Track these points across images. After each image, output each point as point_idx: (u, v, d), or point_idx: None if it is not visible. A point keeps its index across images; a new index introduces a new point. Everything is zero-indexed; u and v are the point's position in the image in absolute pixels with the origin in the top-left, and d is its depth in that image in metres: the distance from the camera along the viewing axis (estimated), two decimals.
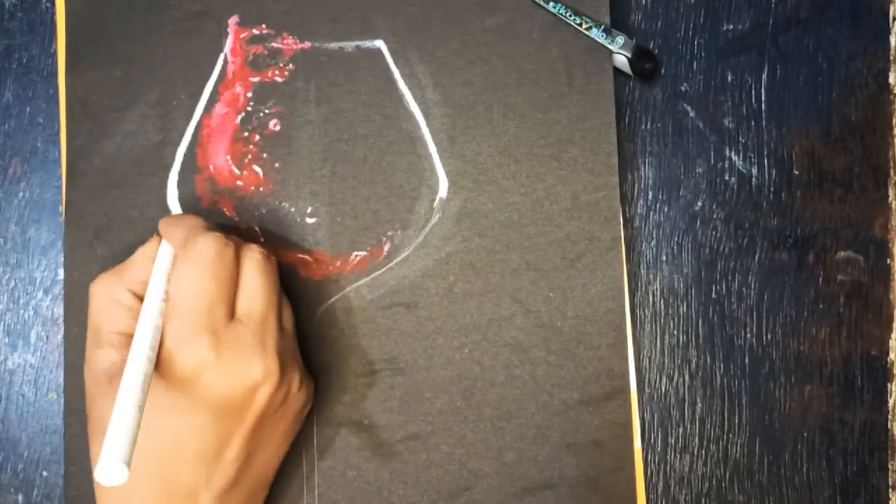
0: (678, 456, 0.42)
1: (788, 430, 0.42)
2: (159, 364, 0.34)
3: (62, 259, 0.42)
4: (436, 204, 0.42)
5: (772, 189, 0.43)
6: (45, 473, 0.43)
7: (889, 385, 0.43)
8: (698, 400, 0.43)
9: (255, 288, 0.36)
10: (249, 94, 0.42)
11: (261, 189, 0.42)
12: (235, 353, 0.34)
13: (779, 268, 0.43)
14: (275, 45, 0.43)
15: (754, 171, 0.44)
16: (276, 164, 0.42)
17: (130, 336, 0.35)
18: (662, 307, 0.43)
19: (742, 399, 0.43)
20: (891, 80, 0.44)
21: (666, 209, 0.44)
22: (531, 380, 0.41)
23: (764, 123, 0.44)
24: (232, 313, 0.35)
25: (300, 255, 0.42)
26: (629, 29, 0.44)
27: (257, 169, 0.42)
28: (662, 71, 0.44)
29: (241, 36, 0.43)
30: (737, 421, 0.43)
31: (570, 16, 0.42)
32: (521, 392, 0.41)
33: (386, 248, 0.42)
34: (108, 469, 0.29)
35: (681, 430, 0.43)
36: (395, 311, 0.42)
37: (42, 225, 0.44)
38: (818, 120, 0.44)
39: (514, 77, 0.42)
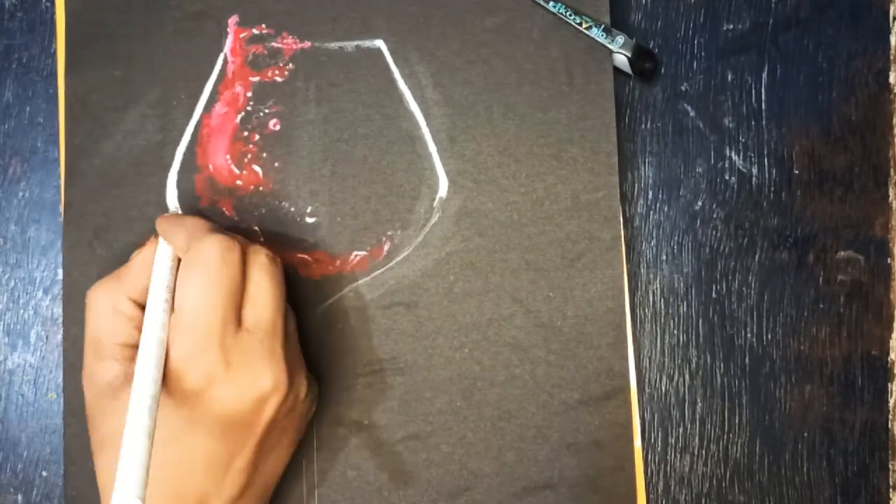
0: (678, 456, 0.42)
1: (789, 430, 0.42)
2: (167, 381, 0.33)
3: (62, 259, 0.42)
4: (436, 203, 0.42)
5: (772, 189, 0.43)
6: (44, 473, 0.42)
7: (889, 385, 0.43)
8: (698, 400, 0.43)
9: (263, 294, 0.35)
10: (249, 94, 0.42)
11: (260, 189, 0.42)
12: (245, 365, 0.34)
13: (779, 267, 0.43)
14: (275, 44, 0.43)
15: (754, 171, 0.44)
16: (276, 164, 0.42)
17: (132, 347, 0.35)
18: (662, 307, 0.43)
19: (742, 399, 0.43)
20: (891, 79, 0.44)
21: (666, 209, 0.44)
22: (531, 379, 0.41)
23: (764, 123, 0.44)
24: (239, 321, 0.34)
25: (300, 255, 0.42)
26: (629, 28, 0.44)
27: (257, 168, 0.42)
28: (662, 70, 0.44)
29: (241, 36, 0.43)
30: (737, 421, 0.42)
31: (570, 15, 0.42)
32: (521, 392, 0.41)
33: (386, 247, 0.42)
34: None
35: (681, 430, 0.43)
36: (395, 310, 0.42)
37: (42, 225, 0.44)
38: (818, 119, 0.44)
39: (514, 77, 0.42)
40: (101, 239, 0.42)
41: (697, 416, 0.43)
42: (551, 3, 0.42)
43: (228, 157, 0.42)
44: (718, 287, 0.43)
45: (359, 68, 0.43)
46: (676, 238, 0.43)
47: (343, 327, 0.42)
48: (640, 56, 0.42)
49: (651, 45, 0.44)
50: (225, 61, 0.43)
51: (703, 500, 0.42)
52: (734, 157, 0.44)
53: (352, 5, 0.43)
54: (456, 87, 0.42)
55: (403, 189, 0.42)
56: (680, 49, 0.44)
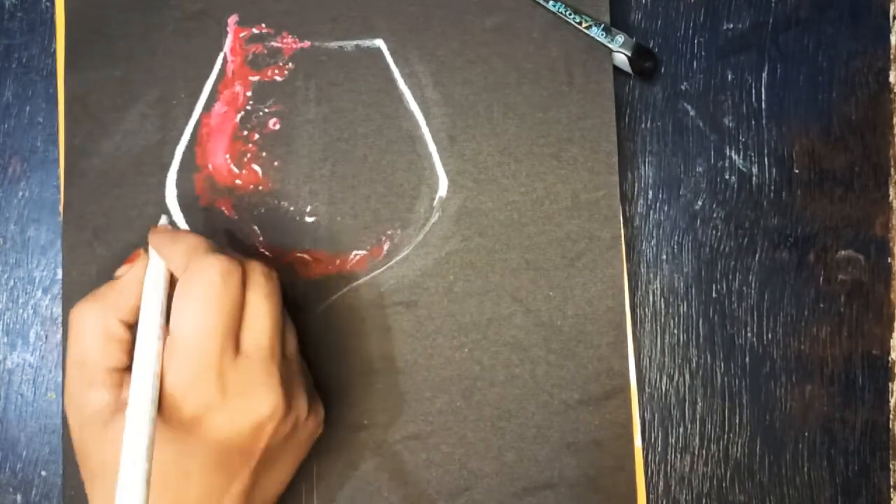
0: (678, 456, 0.42)
1: (789, 430, 0.42)
2: (162, 410, 0.32)
3: (61, 258, 0.42)
4: (435, 203, 0.42)
5: (772, 188, 0.43)
6: (43, 473, 0.42)
7: (890, 384, 0.43)
8: (699, 399, 0.43)
9: (261, 316, 0.34)
10: (249, 93, 0.42)
11: (260, 188, 0.42)
12: (242, 392, 0.33)
13: (779, 267, 0.43)
14: (274, 44, 0.43)
15: (755, 171, 0.43)
16: (276, 163, 0.42)
17: (121, 371, 0.34)
18: (663, 306, 0.43)
19: (743, 398, 0.42)
20: (891, 79, 0.44)
21: (666, 208, 0.43)
22: (531, 379, 0.41)
23: (764, 122, 0.44)
24: (237, 344, 0.33)
25: (299, 255, 0.42)
26: (629, 28, 0.44)
27: (256, 168, 0.42)
28: (662, 70, 0.44)
29: (241, 35, 0.43)
30: (737, 420, 0.42)
31: (570, 14, 0.42)
32: (521, 391, 0.41)
33: (385, 247, 0.42)
34: None
35: (681, 430, 0.42)
36: (395, 310, 0.42)
37: (41, 224, 0.44)
38: (818, 119, 0.44)
39: (513, 76, 0.42)
40: (101, 238, 0.42)
41: (698, 416, 0.43)
42: (551, 3, 0.42)
43: (228, 156, 0.42)
44: (718, 287, 0.43)
45: (359, 68, 0.43)
46: (676, 237, 0.43)
47: (343, 327, 0.41)
48: (640, 55, 0.42)
49: (651, 45, 0.44)
50: (224, 61, 0.43)
51: (704, 500, 0.42)
52: (734, 156, 0.44)
53: (352, 5, 0.43)
54: (456, 86, 0.42)
55: (403, 188, 0.42)
56: (680, 48, 0.44)
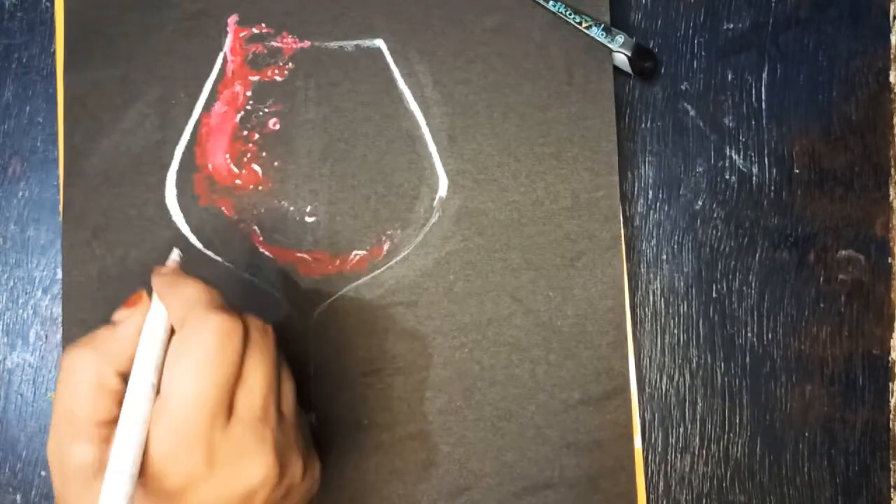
0: (679, 456, 0.42)
1: (789, 430, 0.42)
2: (144, 478, 0.30)
3: (61, 258, 0.42)
4: (435, 203, 0.42)
5: (772, 188, 0.43)
6: (43, 473, 0.42)
7: (890, 384, 0.43)
8: (699, 399, 0.43)
9: (257, 376, 0.31)
10: (249, 93, 0.42)
11: (260, 188, 0.42)
12: (232, 461, 0.30)
13: (779, 267, 0.43)
14: (274, 44, 0.43)
15: (755, 170, 0.43)
16: (276, 163, 0.42)
17: (110, 424, 0.31)
18: (663, 306, 0.43)
19: (743, 398, 0.42)
20: (891, 78, 0.44)
21: (666, 208, 0.43)
22: (531, 379, 0.41)
23: (764, 122, 0.44)
24: (230, 407, 0.31)
25: (299, 255, 0.42)
26: (629, 27, 0.44)
27: (256, 168, 0.42)
28: (662, 70, 0.44)
29: (241, 35, 0.43)
30: (738, 420, 0.42)
31: (570, 14, 0.42)
32: (520, 391, 0.41)
33: (385, 247, 0.42)
34: None
35: (681, 430, 0.42)
36: (395, 310, 0.41)
37: (41, 224, 0.44)
38: (819, 119, 0.44)
39: (513, 76, 0.42)
40: (101, 238, 0.42)
41: (698, 416, 0.43)
42: (551, 3, 0.42)
43: (228, 156, 0.42)
44: (719, 286, 0.43)
45: (359, 68, 0.43)
46: (677, 237, 0.43)
47: (343, 326, 0.41)
48: (640, 55, 0.42)
49: (651, 45, 0.44)
50: (224, 60, 0.43)
51: (704, 500, 0.42)
52: (734, 156, 0.44)
53: (352, 5, 0.43)
54: (456, 86, 0.42)
55: (403, 188, 0.42)
56: (680, 48, 0.44)
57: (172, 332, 0.32)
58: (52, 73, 0.44)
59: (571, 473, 0.41)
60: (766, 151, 0.44)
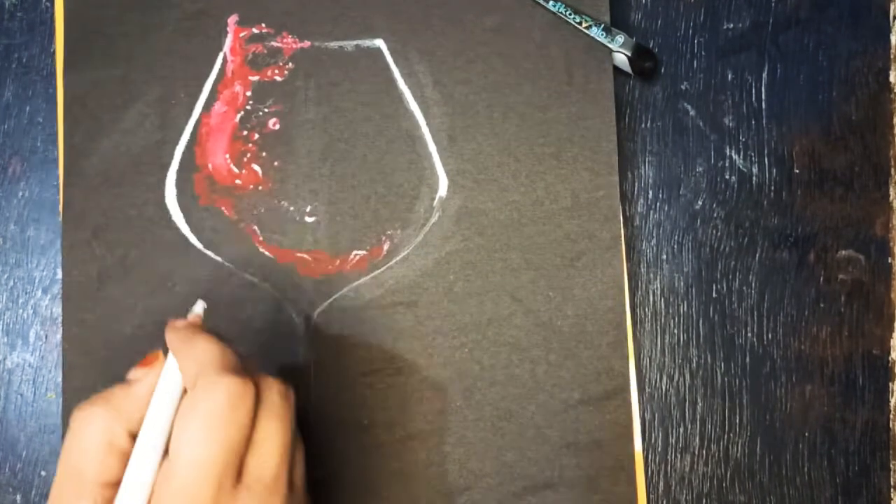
0: (679, 456, 0.42)
1: (789, 430, 0.42)
2: None
3: (61, 258, 0.42)
4: (435, 203, 0.42)
5: (772, 188, 0.43)
6: (43, 473, 0.42)
7: (890, 384, 0.43)
8: (699, 399, 0.43)
9: (270, 442, 0.30)
10: (249, 93, 0.42)
11: (260, 188, 0.42)
12: None
13: (779, 267, 0.43)
14: (274, 44, 0.43)
15: (755, 170, 0.43)
16: (276, 163, 0.42)
17: (116, 485, 0.30)
18: (663, 306, 0.43)
19: (743, 398, 0.42)
20: (891, 78, 0.44)
21: (666, 208, 0.43)
22: (531, 379, 0.41)
23: (764, 122, 0.44)
24: (239, 471, 0.30)
25: (299, 255, 0.42)
26: (629, 27, 0.44)
27: (256, 168, 0.42)
28: (662, 70, 0.44)
29: (241, 35, 0.43)
30: (738, 420, 0.42)
31: (570, 14, 0.42)
32: (520, 391, 0.41)
33: (385, 247, 0.42)
34: None
35: (681, 430, 0.42)
36: (395, 310, 0.41)
37: (41, 224, 0.44)
38: (819, 119, 0.44)
39: (513, 76, 0.42)
40: (101, 238, 0.42)
41: (698, 416, 0.42)
42: (551, 3, 0.42)
43: (228, 156, 0.42)
44: (719, 286, 0.43)
45: (359, 68, 0.43)
46: (677, 237, 0.43)
47: (343, 327, 0.41)
48: (640, 55, 0.42)
49: (651, 45, 0.44)
50: (224, 60, 0.43)
51: (704, 500, 0.42)
52: (734, 156, 0.44)
53: (352, 5, 0.43)
54: (456, 86, 0.42)
55: (403, 188, 0.42)
56: (680, 48, 0.44)
57: (185, 391, 0.31)
58: (52, 73, 0.44)
59: (571, 473, 0.41)
60: (766, 151, 0.44)
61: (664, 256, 0.43)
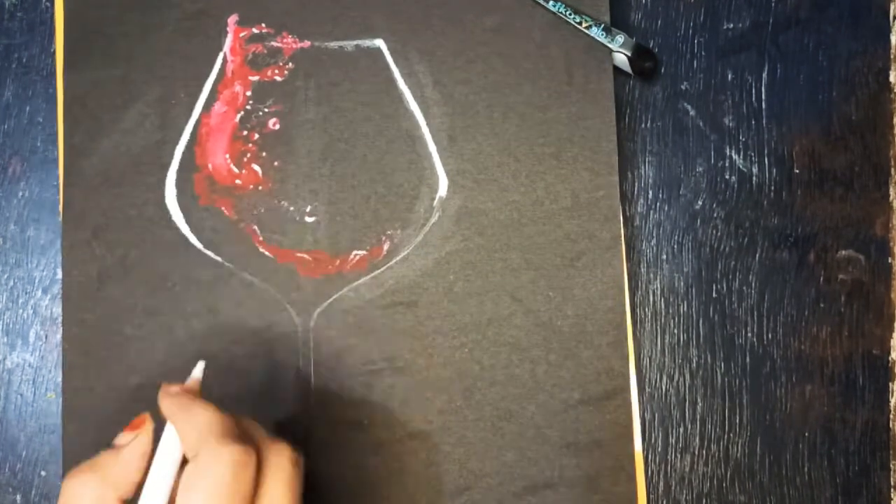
0: (679, 456, 0.42)
1: (789, 430, 0.42)
2: None
3: (61, 258, 0.42)
4: (435, 203, 0.42)
5: (772, 188, 0.43)
6: (43, 473, 0.42)
7: (890, 384, 0.43)
8: (699, 399, 0.43)
9: None
10: (249, 93, 0.42)
11: (260, 188, 0.42)
12: None
13: (779, 267, 0.43)
14: (274, 44, 0.43)
15: (755, 170, 0.43)
16: (276, 163, 0.42)
17: None
18: (663, 306, 0.43)
19: (743, 398, 0.42)
20: (891, 78, 0.44)
21: (666, 208, 0.43)
22: (531, 379, 0.41)
23: (764, 122, 0.44)
24: None
25: (299, 255, 0.42)
26: (629, 27, 0.44)
27: (256, 168, 0.42)
28: (662, 70, 0.44)
29: (241, 35, 0.43)
30: (738, 420, 0.42)
31: (570, 14, 0.42)
32: (521, 391, 0.41)
33: (385, 247, 0.42)
34: None
35: (681, 430, 0.42)
36: (395, 310, 0.41)
37: (41, 224, 0.44)
38: (819, 119, 0.44)
39: (513, 76, 0.42)
40: (101, 238, 0.42)
41: (698, 416, 0.42)
42: (551, 3, 0.42)
43: (228, 156, 0.42)
44: (719, 286, 0.43)
45: (358, 68, 0.43)
46: (677, 237, 0.43)
47: (343, 327, 0.41)
48: (640, 55, 0.42)
49: (651, 45, 0.44)
50: (224, 60, 0.43)
51: (704, 501, 0.42)
52: (734, 156, 0.44)
53: (352, 5, 0.43)
54: (456, 86, 0.42)
55: (403, 188, 0.42)
56: (680, 48, 0.44)
57: (184, 459, 0.31)
58: (52, 73, 0.44)
59: (571, 473, 0.41)
60: (766, 151, 0.44)
61: (664, 256, 0.43)
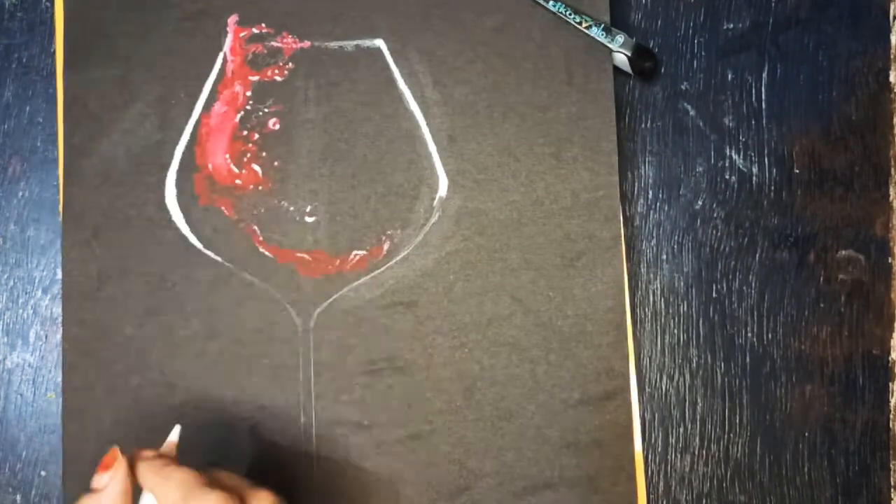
0: (679, 456, 0.42)
1: (789, 430, 0.42)
2: None
3: (61, 258, 0.42)
4: (435, 203, 0.42)
5: (772, 188, 0.43)
6: (43, 473, 0.42)
7: (890, 384, 0.43)
8: (699, 399, 0.43)
9: None
10: (249, 93, 0.42)
11: (260, 188, 0.42)
12: None
13: (779, 267, 0.43)
14: (274, 44, 0.43)
15: (755, 170, 0.43)
16: (276, 163, 0.42)
17: None
18: (663, 306, 0.43)
19: (743, 399, 0.42)
20: (891, 78, 0.44)
21: (666, 208, 0.43)
22: (531, 379, 0.41)
23: (764, 122, 0.44)
24: None
25: (299, 255, 0.42)
26: (629, 27, 0.44)
27: (256, 168, 0.42)
28: (662, 70, 0.44)
29: (241, 35, 0.43)
30: (738, 420, 0.42)
31: (570, 14, 0.42)
32: (520, 391, 0.41)
33: (385, 247, 0.42)
34: None
35: (681, 430, 0.42)
36: (395, 310, 0.41)
37: (41, 224, 0.44)
38: (819, 119, 0.44)
39: (513, 76, 0.42)
40: (101, 238, 0.42)
41: (698, 416, 0.43)
42: (551, 3, 0.42)
43: (227, 156, 0.42)
44: (719, 286, 0.43)
45: (359, 68, 0.43)
46: (677, 237, 0.43)
47: (343, 326, 0.41)
48: (640, 55, 0.42)
49: (651, 45, 0.44)
50: (224, 60, 0.43)
51: (704, 500, 0.42)
52: (734, 156, 0.44)
53: (352, 5, 0.43)
54: (456, 86, 0.42)
55: (403, 188, 0.42)
56: (680, 48, 0.44)
57: None
58: (52, 73, 0.44)
59: (571, 473, 0.41)
60: (766, 151, 0.44)
61: (664, 256, 0.43)
